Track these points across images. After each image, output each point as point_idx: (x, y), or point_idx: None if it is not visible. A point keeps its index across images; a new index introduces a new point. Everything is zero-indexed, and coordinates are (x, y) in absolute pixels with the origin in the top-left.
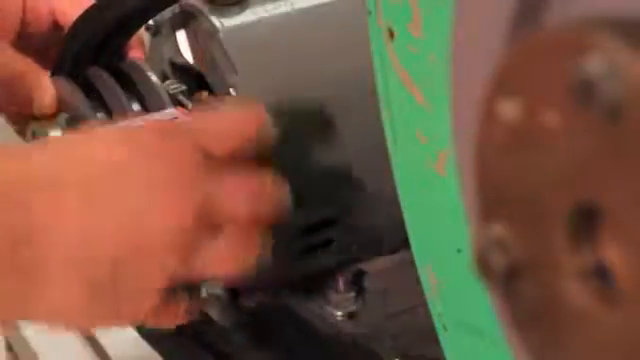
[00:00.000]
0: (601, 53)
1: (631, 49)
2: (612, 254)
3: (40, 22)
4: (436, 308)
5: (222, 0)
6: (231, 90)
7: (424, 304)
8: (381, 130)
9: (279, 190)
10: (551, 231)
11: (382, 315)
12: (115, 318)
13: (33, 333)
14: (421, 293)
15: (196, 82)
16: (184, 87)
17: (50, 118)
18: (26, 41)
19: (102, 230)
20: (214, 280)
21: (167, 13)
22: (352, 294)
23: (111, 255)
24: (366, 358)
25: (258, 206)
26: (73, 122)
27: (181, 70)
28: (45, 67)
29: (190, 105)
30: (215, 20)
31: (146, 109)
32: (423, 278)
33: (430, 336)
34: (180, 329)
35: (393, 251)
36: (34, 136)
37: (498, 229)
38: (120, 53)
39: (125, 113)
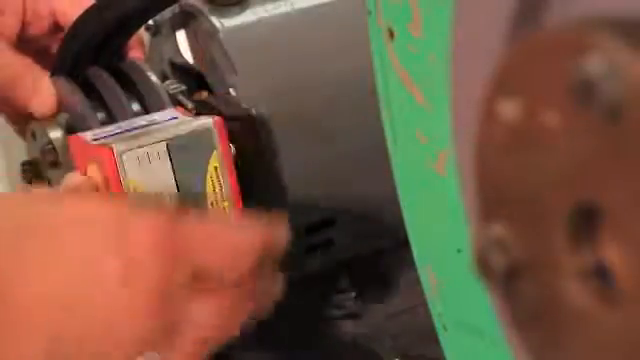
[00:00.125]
0: (601, 53)
1: (631, 49)
2: (612, 254)
3: (40, 23)
4: (436, 308)
5: (222, 0)
6: (231, 90)
7: (424, 304)
8: (381, 130)
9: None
10: (551, 231)
11: (382, 315)
12: None
13: None
14: (421, 293)
15: (196, 82)
16: (184, 87)
17: (50, 118)
18: (26, 42)
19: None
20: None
21: (167, 13)
22: (352, 294)
23: (78, 333)
24: (366, 358)
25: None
26: (73, 122)
27: (181, 70)
28: (45, 67)
29: (190, 105)
30: (215, 20)
31: (146, 109)
32: (423, 278)
33: (430, 336)
34: None
35: (393, 251)
36: (34, 136)
37: (498, 229)
38: (120, 53)
39: (125, 113)
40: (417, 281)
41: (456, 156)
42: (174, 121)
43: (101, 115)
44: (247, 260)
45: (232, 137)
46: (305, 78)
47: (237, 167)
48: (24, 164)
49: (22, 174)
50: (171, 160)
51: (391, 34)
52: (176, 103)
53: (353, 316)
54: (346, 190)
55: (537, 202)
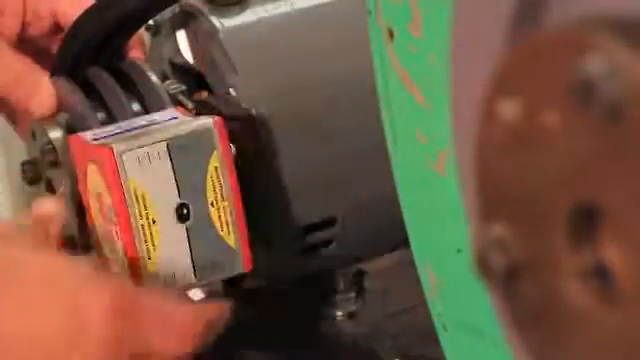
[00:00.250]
0: (601, 53)
1: (631, 49)
2: (612, 254)
3: (41, 23)
4: (436, 308)
5: (222, 0)
6: (231, 90)
7: (424, 304)
8: (381, 130)
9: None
10: (551, 231)
11: (382, 315)
12: None
13: None
14: (421, 293)
15: (196, 82)
16: (184, 87)
17: (50, 118)
18: (26, 42)
19: None
20: None
21: (167, 13)
22: (352, 294)
23: None
24: (366, 358)
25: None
26: (73, 122)
27: (181, 70)
28: (45, 68)
29: (190, 105)
30: (215, 20)
31: (146, 109)
32: (423, 278)
33: (430, 336)
34: None
35: (393, 250)
36: (34, 136)
37: (498, 229)
38: (120, 53)
39: (125, 113)
40: (417, 281)
41: (456, 156)
42: (174, 121)
43: (101, 115)
44: (192, 343)
45: (232, 137)
46: (305, 78)
47: (237, 167)
48: (24, 164)
49: (22, 174)
50: (171, 160)
51: (391, 34)
52: (176, 103)
53: (353, 316)
54: (346, 190)
55: (537, 202)
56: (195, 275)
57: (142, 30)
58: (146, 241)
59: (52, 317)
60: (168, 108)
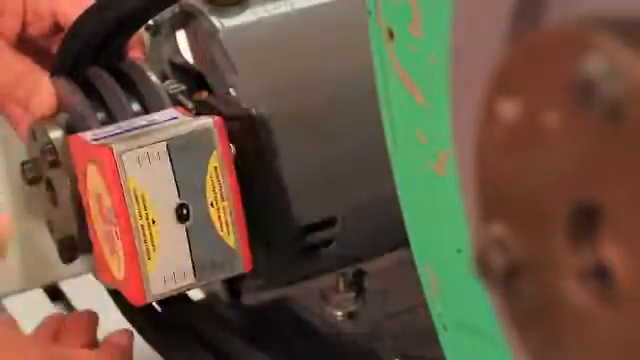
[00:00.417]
0: (601, 53)
1: (631, 49)
2: (612, 254)
3: (41, 23)
4: (436, 308)
5: (222, 0)
6: (231, 90)
7: (424, 304)
8: (381, 130)
9: None
10: (551, 231)
11: (382, 315)
12: None
13: None
14: (421, 293)
15: (196, 82)
16: (184, 87)
17: (50, 118)
18: (27, 42)
19: None
20: None
21: (167, 13)
22: (352, 294)
23: None
24: (366, 358)
25: None
26: (73, 122)
27: (181, 70)
28: (45, 68)
29: (190, 105)
30: (215, 20)
31: (146, 109)
32: (423, 278)
33: (430, 336)
34: (180, 329)
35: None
36: (34, 136)
37: (498, 229)
38: (120, 53)
39: (125, 113)
40: (417, 281)
41: (456, 156)
42: (174, 121)
43: (101, 115)
44: None
45: (232, 137)
46: (305, 78)
47: (237, 167)
48: (24, 164)
49: (22, 174)
50: (171, 160)
51: (391, 34)
52: (176, 103)
53: (353, 316)
54: (346, 190)
55: (537, 202)
56: (195, 275)
57: (142, 30)
58: (146, 241)
59: None
60: (168, 108)
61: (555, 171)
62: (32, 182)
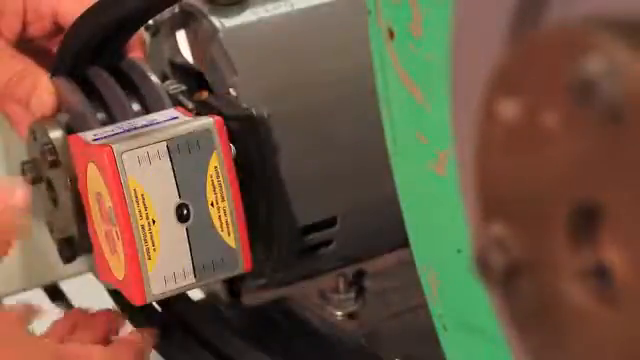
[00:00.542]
0: (601, 53)
1: (631, 49)
2: (612, 254)
3: (41, 23)
4: (436, 308)
5: (222, 0)
6: (231, 90)
7: (424, 304)
8: (381, 130)
9: None
10: (551, 231)
11: (382, 315)
12: None
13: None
14: (421, 293)
15: (196, 82)
16: (184, 87)
17: (50, 118)
18: (27, 42)
19: None
20: None
21: (167, 13)
22: (352, 294)
23: None
24: (366, 358)
25: None
26: (73, 122)
27: (181, 70)
28: (46, 68)
29: (190, 105)
30: (215, 20)
31: (146, 109)
32: (423, 278)
33: (430, 336)
34: (180, 329)
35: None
36: (34, 136)
37: (498, 229)
38: (120, 53)
39: (125, 113)
40: (417, 281)
41: (456, 156)
42: (174, 121)
43: (101, 115)
44: None
45: (232, 137)
46: (305, 78)
47: (237, 167)
48: (24, 164)
49: (22, 174)
50: (171, 160)
51: (391, 34)
52: (176, 103)
53: (353, 316)
54: (346, 190)
55: (537, 202)
56: (195, 275)
57: (142, 30)
58: (146, 241)
59: None
60: (168, 108)
61: (555, 171)
62: (32, 182)
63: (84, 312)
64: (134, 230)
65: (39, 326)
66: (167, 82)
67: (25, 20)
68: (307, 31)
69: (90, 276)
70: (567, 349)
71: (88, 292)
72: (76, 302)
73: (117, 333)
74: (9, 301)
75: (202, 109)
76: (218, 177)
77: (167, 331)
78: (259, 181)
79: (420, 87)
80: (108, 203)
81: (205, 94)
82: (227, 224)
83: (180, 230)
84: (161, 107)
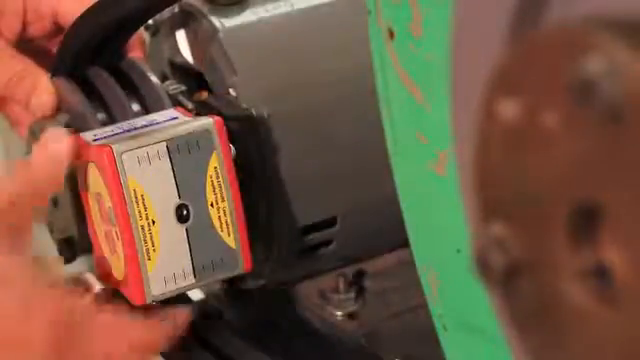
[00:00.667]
0: (601, 53)
1: (631, 49)
2: (612, 254)
3: (41, 23)
4: (436, 308)
5: (222, 0)
6: (231, 90)
7: (424, 304)
8: (381, 130)
9: None
10: (551, 231)
11: (382, 315)
12: None
13: None
14: (421, 293)
15: (196, 82)
16: (184, 87)
17: (50, 118)
18: (27, 42)
19: None
20: None
21: (167, 13)
22: (352, 294)
23: None
24: (366, 358)
25: None
26: (73, 122)
27: (181, 70)
28: (45, 68)
29: (190, 105)
30: (215, 20)
31: (146, 109)
32: (423, 278)
33: (430, 336)
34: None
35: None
36: (34, 136)
37: (498, 229)
38: (120, 53)
39: (125, 113)
40: (417, 281)
41: (456, 156)
42: (174, 121)
43: (101, 115)
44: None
45: (232, 137)
46: (305, 78)
47: (237, 167)
48: None
49: None
50: (171, 160)
51: (391, 34)
52: (176, 103)
53: (353, 316)
54: (346, 190)
55: (537, 202)
56: (195, 276)
57: (142, 30)
58: (146, 242)
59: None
60: (168, 108)
61: (555, 171)
62: None
63: None
64: (134, 230)
65: None
66: (167, 82)
67: (25, 20)
68: (307, 31)
69: (90, 276)
70: (567, 349)
71: None
72: None
73: None
74: None
75: (202, 109)
76: (218, 177)
77: None
78: (259, 181)
79: (420, 87)
80: (108, 203)
81: (205, 94)
82: (227, 224)
83: (180, 230)
84: (161, 107)
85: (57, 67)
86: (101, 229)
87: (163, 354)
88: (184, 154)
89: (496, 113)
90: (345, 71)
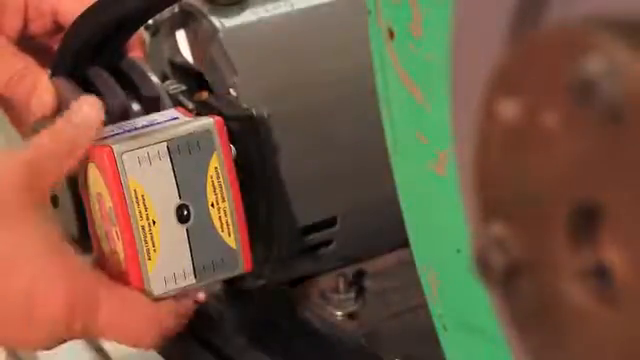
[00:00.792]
0: (601, 53)
1: (631, 49)
2: (612, 254)
3: (42, 21)
4: (436, 308)
5: (222, 0)
6: (231, 90)
7: (424, 304)
8: (381, 130)
9: None
10: (551, 231)
11: (382, 315)
12: None
13: None
14: (421, 293)
15: (196, 82)
16: (184, 87)
17: (50, 118)
18: (29, 39)
19: None
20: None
21: (167, 13)
22: (352, 294)
23: None
24: (366, 358)
25: None
26: None
27: (181, 70)
28: (46, 66)
29: (190, 105)
30: (215, 20)
31: (146, 109)
32: (423, 278)
33: (430, 336)
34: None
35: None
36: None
37: (498, 229)
38: (120, 53)
39: (126, 113)
40: (417, 281)
41: (456, 156)
42: (174, 121)
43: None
44: (149, 341)
45: (232, 137)
46: (305, 78)
47: (237, 167)
48: None
49: None
50: (171, 160)
51: (391, 34)
52: (176, 103)
53: (353, 316)
54: (346, 190)
55: (537, 202)
56: (195, 276)
57: (142, 30)
58: (146, 242)
59: (5, 296)
60: (168, 108)
61: (555, 171)
62: None
63: None
64: (134, 231)
65: None
66: (167, 82)
67: (26, 17)
68: (307, 31)
69: None
70: (567, 349)
71: None
72: None
73: None
74: None
75: (202, 109)
76: (218, 178)
77: None
78: (259, 181)
79: (420, 87)
80: (108, 203)
81: (205, 94)
82: (227, 225)
83: (180, 231)
84: (161, 107)
85: (57, 66)
86: (101, 229)
87: (163, 354)
88: (185, 154)
89: (496, 113)
90: (345, 71)
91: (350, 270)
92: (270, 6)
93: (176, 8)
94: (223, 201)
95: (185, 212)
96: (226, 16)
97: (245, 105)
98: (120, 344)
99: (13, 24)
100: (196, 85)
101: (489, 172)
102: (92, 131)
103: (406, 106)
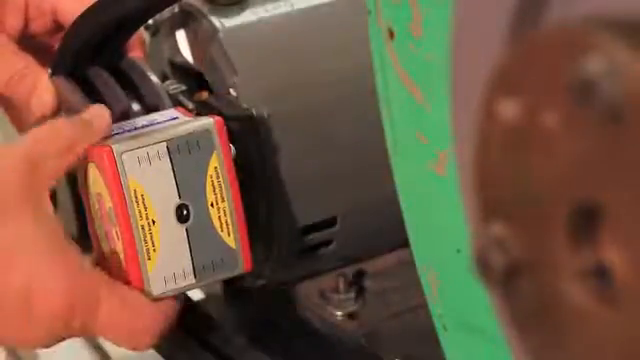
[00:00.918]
0: (601, 53)
1: (631, 49)
2: (612, 254)
3: (43, 20)
4: (436, 308)
5: (222, 0)
6: (231, 90)
7: (424, 304)
8: (381, 130)
9: None
10: (551, 231)
11: (382, 315)
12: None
13: None
14: (421, 293)
15: (196, 82)
16: (184, 87)
17: (50, 117)
18: (29, 38)
19: None
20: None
21: (167, 13)
22: (352, 294)
23: None
24: (366, 358)
25: None
26: None
27: (181, 70)
28: (46, 66)
29: (190, 105)
30: (215, 20)
31: (146, 109)
32: (423, 278)
33: (430, 336)
34: (180, 329)
35: (393, 251)
36: None
37: (498, 229)
38: (120, 53)
39: (126, 113)
40: (417, 281)
41: (456, 156)
42: (174, 121)
43: None
44: (145, 342)
45: (232, 137)
46: (305, 78)
47: (237, 167)
48: None
49: None
50: (171, 160)
51: (391, 34)
52: (176, 103)
53: (353, 316)
54: (346, 190)
55: (537, 202)
56: (195, 276)
57: (142, 29)
58: (146, 242)
59: (4, 293)
60: (168, 108)
61: (555, 171)
62: None
63: None
64: (134, 230)
65: None
66: (167, 82)
67: (27, 16)
68: (307, 31)
69: None
70: (567, 349)
71: None
72: None
73: None
74: None
75: (202, 109)
76: (218, 177)
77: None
78: (259, 181)
79: (420, 87)
80: (108, 203)
81: (205, 94)
82: (227, 224)
83: (180, 230)
84: (161, 107)
85: (57, 66)
86: (101, 229)
87: (163, 354)
88: (184, 154)
89: (496, 113)
90: (345, 71)
91: (350, 270)
92: (270, 6)
93: (176, 8)
94: (223, 201)
95: (185, 212)
96: (226, 16)
97: (245, 105)
98: (119, 347)
99: (14, 23)
100: (196, 85)
101: (489, 172)
102: (94, 132)
103: (406, 106)
